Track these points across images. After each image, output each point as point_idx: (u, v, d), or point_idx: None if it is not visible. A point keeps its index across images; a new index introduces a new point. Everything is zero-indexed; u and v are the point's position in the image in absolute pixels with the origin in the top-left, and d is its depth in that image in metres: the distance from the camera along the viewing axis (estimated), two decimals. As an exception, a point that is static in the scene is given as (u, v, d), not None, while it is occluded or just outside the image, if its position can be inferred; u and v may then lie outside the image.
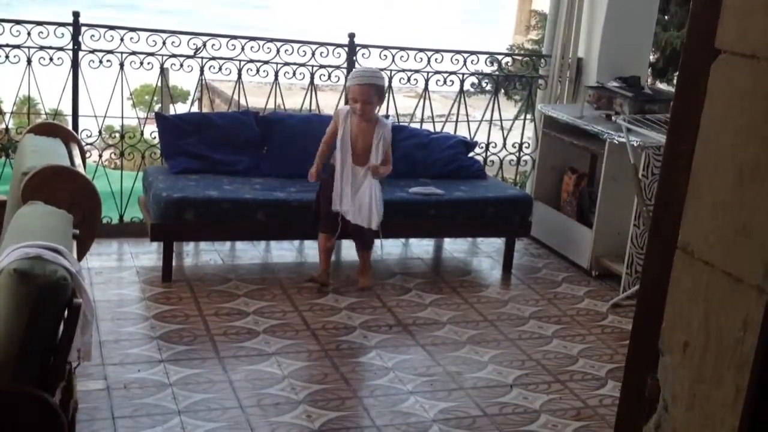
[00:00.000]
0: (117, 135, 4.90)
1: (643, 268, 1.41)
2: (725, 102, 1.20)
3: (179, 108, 5.38)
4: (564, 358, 3.85)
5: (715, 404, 1.21)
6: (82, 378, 3.23)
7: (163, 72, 4.89)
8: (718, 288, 1.21)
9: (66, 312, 2.15)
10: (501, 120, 5.56)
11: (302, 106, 5.24)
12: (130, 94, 4.89)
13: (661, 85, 7.95)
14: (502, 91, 7.37)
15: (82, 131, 4.71)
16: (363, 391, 3.40)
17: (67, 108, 4.85)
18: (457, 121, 5.44)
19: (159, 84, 5.05)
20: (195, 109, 5.19)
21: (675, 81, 7.65)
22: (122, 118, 4.84)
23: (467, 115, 5.42)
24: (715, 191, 1.22)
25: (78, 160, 3.24)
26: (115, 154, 4.96)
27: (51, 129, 3.47)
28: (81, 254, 2.82)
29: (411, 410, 3.28)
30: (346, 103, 5.12)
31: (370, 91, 4.19)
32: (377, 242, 4.48)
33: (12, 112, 5.17)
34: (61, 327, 2.17)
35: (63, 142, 3.41)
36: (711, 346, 1.22)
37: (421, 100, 5.36)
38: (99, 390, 3.20)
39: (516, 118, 6.06)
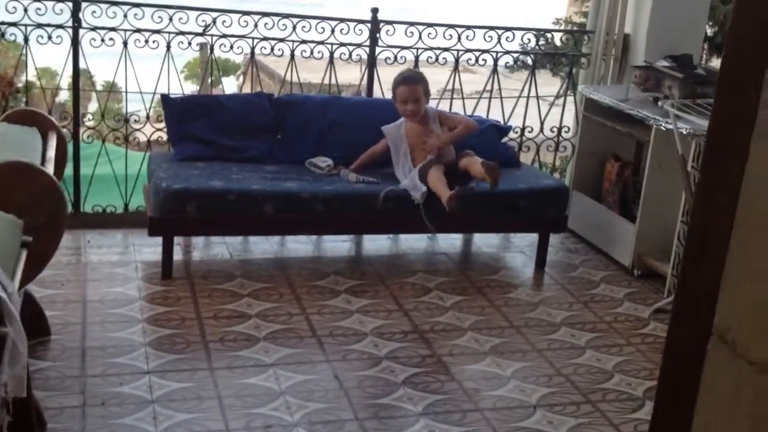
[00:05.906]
0: (121, 119, 4.59)
1: (663, 358, 1.01)
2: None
3: (226, 83, 5.04)
4: (597, 373, 3.45)
5: None
6: (57, 393, 2.96)
7: (207, 48, 4.57)
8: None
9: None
10: (537, 97, 5.08)
11: (321, 81, 4.84)
12: (182, 69, 4.58)
13: (718, 63, 7.38)
14: (548, 66, 6.88)
15: (82, 116, 4.40)
16: (364, 412, 3.04)
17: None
18: (490, 98, 5.01)
19: (206, 59, 4.74)
20: (246, 86, 4.84)
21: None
22: (125, 99, 4.52)
23: (500, 93, 4.99)
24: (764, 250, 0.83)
25: (51, 153, 2.93)
26: (119, 139, 4.66)
27: (28, 117, 3.15)
28: (40, 261, 2.51)
29: (419, 435, 2.92)
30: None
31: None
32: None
33: (11, 92, 4.87)
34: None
35: (40, 132, 3.10)
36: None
37: (451, 80, 4.94)
38: (73, 407, 2.90)
39: (557, 96, 5.59)
